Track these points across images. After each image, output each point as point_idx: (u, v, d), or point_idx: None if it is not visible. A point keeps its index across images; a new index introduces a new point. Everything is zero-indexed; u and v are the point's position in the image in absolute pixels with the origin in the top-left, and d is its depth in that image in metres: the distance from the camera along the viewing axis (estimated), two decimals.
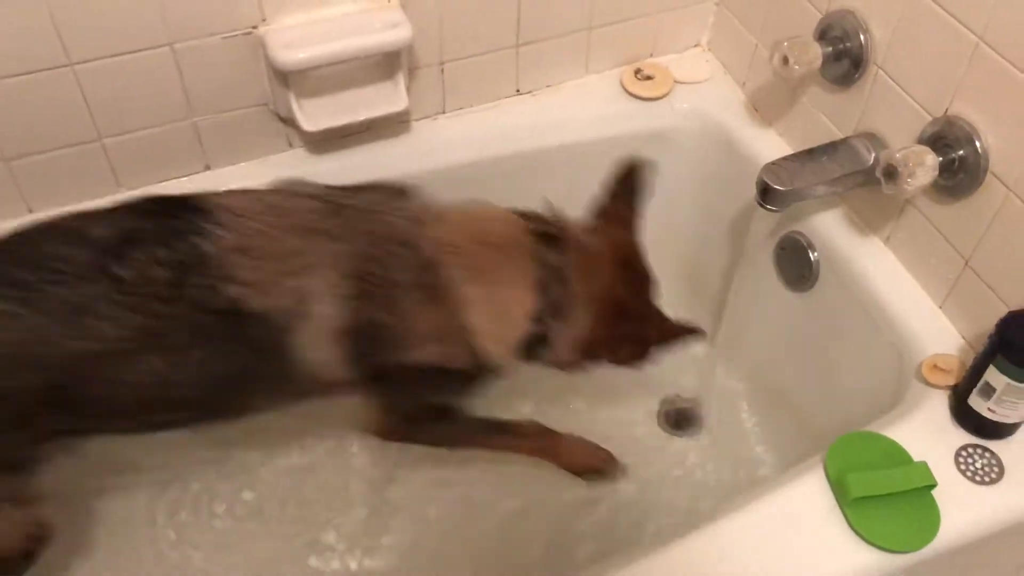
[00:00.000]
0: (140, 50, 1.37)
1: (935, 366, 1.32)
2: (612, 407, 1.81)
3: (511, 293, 1.25)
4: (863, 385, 1.49)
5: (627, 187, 1.37)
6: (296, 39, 1.41)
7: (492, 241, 1.26)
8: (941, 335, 1.38)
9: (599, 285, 1.28)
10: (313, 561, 1.61)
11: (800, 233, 1.59)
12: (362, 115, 1.52)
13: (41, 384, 1.10)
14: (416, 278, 1.20)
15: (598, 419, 1.78)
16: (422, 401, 1.36)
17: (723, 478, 1.74)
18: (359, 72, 1.51)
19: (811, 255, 1.57)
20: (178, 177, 1.56)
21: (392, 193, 1.30)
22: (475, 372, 1.28)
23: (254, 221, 1.16)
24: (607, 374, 1.38)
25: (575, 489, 1.63)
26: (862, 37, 1.40)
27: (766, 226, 1.58)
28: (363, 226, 1.20)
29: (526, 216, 1.30)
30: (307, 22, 1.44)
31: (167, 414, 1.22)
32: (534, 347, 1.28)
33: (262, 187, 1.26)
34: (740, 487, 1.70)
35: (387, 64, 1.52)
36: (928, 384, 1.32)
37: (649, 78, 1.74)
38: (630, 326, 1.30)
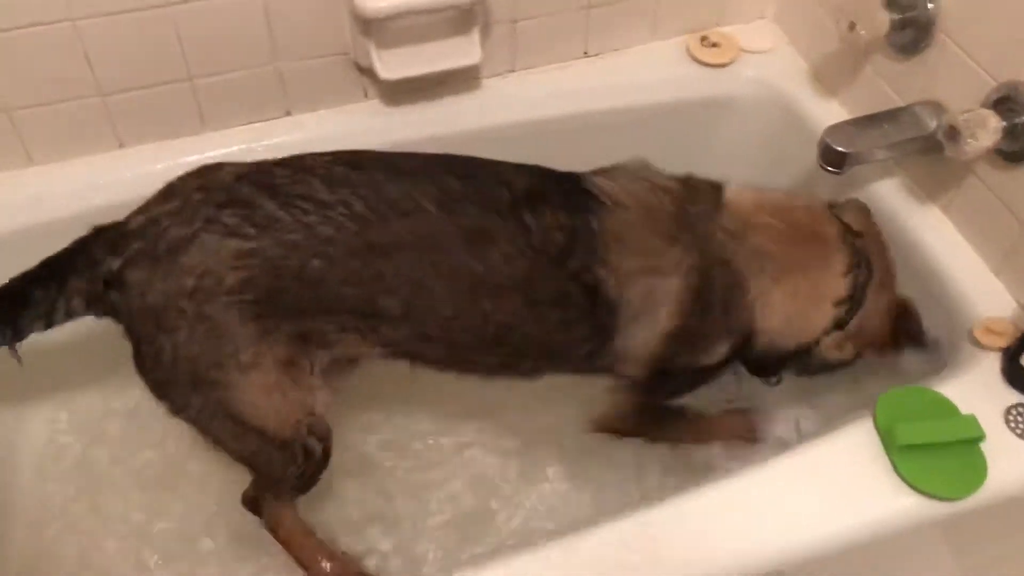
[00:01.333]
0: None
1: (988, 328, 1.35)
2: None
3: (821, 283, 1.35)
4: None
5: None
6: None
7: (801, 235, 1.35)
8: (995, 299, 1.40)
9: (887, 274, 1.41)
10: None
11: (859, 200, 1.61)
12: (437, 67, 1.58)
13: (391, 284, 1.19)
14: (727, 294, 1.31)
15: None
16: (673, 397, 1.47)
17: None
18: (436, 25, 1.56)
19: None
20: (260, 121, 1.63)
21: (710, 190, 1.37)
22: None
23: (629, 213, 1.28)
24: None
25: None
26: (930, 6, 1.43)
27: (825, 191, 1.61)
28: (699, 241, 1.30)
29: (829, 205, 1.41)
30: None
31: (484, 356, 1.31)
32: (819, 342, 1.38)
33: (621, 167, 1.36)
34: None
35: (463, 18, 1.57)
36: (980, 346, 1.34)
37: (715, 45, 1.78)
38: (906, 316, 1.41)
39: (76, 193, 1.53)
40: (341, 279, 1.18)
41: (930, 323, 1.45)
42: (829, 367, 1.46)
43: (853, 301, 1.36)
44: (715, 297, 1.30)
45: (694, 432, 1.58)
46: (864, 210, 1.46)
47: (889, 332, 1.41)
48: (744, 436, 1.57)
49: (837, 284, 1.35)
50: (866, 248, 1.38)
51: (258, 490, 1.43)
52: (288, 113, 1.65)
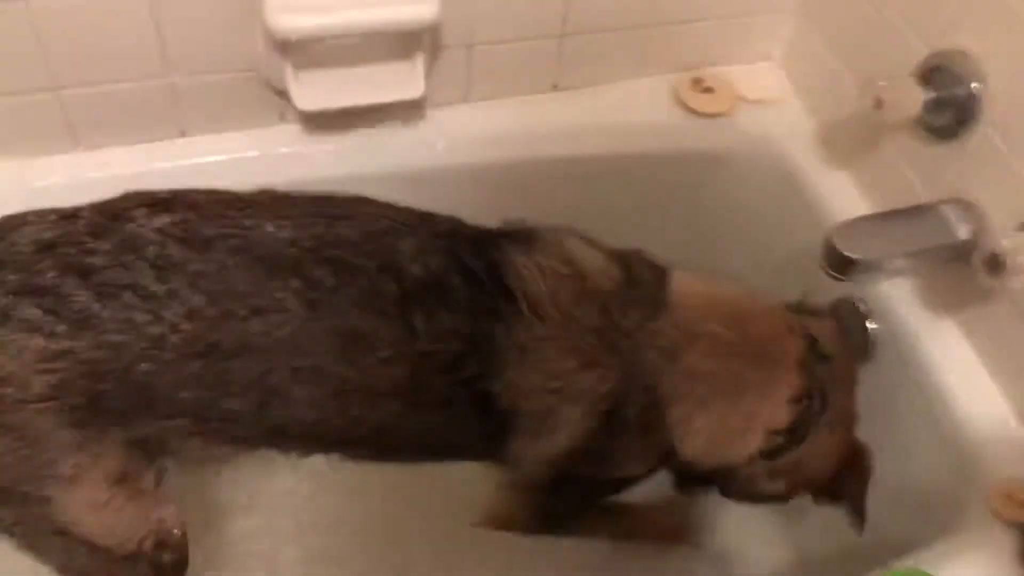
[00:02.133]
0: None
1: (1008, 495, 1.11)
2: None
3: (758, 408, 1.15)
4: (913, 491, 1.28)
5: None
6: (300, 2, 1.18)
7: (751, 350, 1.14)
8: (1020, 457, 1.15)
9: (846, 412, 1.21)
10: None
11: (860, 300, 1.36)
12: (368, 99, 1.31)
13: (239, 389, 1.00)
14: (643, 417, 1.12)
15: None
16: (580, 506, 1.30)
17: None
18: (371, 48, 1.28)
19: (869, 326, 1.35)
20: (149, 141, 1.35)
21: (654, 289, 1.16)
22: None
23: (544, 327, 1.08)
24: None
25: None
26: (974, 86, 1.16)
27: (824, 281, 1.35)
28: (623, 363, 1.10)
29: (794, 309, 1.21)
30: None
31: (357, 449, 1.15)
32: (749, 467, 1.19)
33: (555, 241, 1.14)
34: None
35: (405, 42, 1.29)
36: (996, 516, 1.10)
37: (709, 90, 1.51)
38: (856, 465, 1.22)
39: None
40: (175, 383, 0.98)
41: (934, 475, 1.21)
42: (757, 496, 1.26)
43: (793, 434, 1.16)
44: (629, 420, 1.12)
45: (614, 528, 1.38)
46: (838, 328, 1.25)
47: (830, 478, 1.22)
48: (677, 536, 1.45)
49: (778, 412, 1.15)
50: (827, 377, 1.16)
51: None
52: (183, 133, 1.36)
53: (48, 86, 1.24)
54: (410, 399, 1.06)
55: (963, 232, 1.18)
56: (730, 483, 1.24)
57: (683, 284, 1.15)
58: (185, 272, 0.96)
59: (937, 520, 1.16)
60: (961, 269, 1.18)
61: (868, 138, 1.38)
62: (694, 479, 1.26)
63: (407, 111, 1.41)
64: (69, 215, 0.99)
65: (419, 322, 1.03)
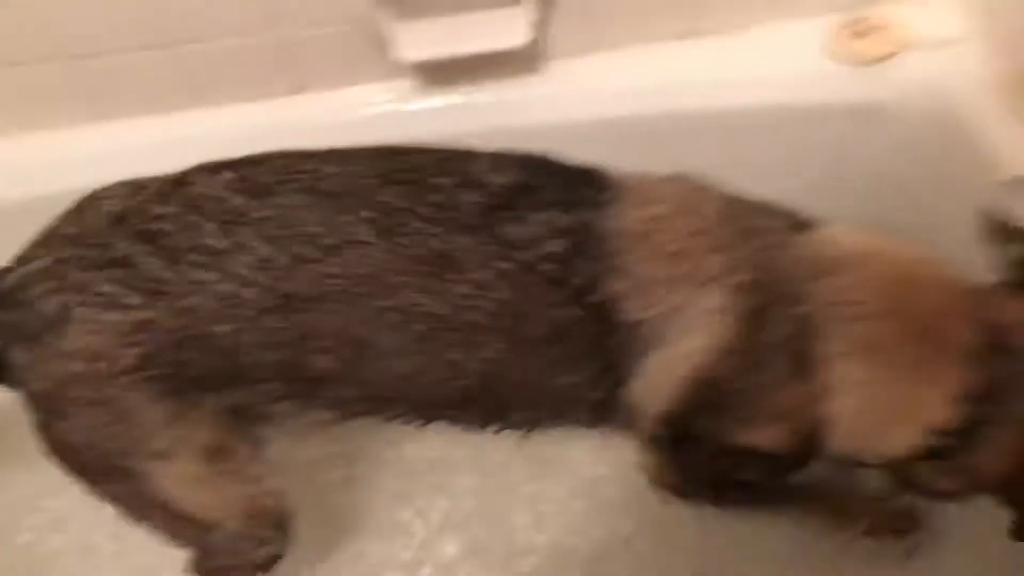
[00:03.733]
0: None
1: None
2: None
3: (915, 391, 0.98)
4: None
5: None
6: None
7: (913, 313, 0.98)
8: None
9: None
10: None
11: None
12: (469, 47, 1.25)
13: (324, 343, 0.97)
14: (790, 345, 0.98)
15: None
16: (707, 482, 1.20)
17: None
18: None
19: None
20: (263, 98, 1.36)
21: (794, 222, 1.05)
22: (802, 460, 1.08)
23: (657, 207, 0.99)
24: None
25: None
26: None
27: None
28: (759, 264, 0.98)
29: (977, 291, 1.01)
30: None
31: (461, 412, 1.08)
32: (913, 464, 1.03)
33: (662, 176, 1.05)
34: None
35: None
36: None
37: (866, 33, 1.32)
38: None
39: (40, 170, 1.35)
40: (258, 343, 0.96)
41: None
42: (934, 493, 1.10)
43: (962, 436, 0.97)
44: (775, 338, 0.96)
45: (803, 509, 1.27)
46: None
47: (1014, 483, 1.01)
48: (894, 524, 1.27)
49: (940, 408, 0.96)
50: (1009, 373, 0.96)
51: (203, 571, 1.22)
52: (299, 91, 1.36)
53: (161, 42, 1.27)
54: (515, 332, 0.97)
55: None
56: (894, 475, 1.09)
57: (835, 232, 1.01)
58: (249, 222, 0.95)
59: None
60: None
61: None
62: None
63: (523, 63, 1.34)
64: (140, 186, 1.00)
65: (511, 229, 0.94)
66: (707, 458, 1.10)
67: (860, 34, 1.32)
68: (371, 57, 1.32)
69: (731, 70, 1.37)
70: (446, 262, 0.94)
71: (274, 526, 1.10)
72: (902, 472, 1.06)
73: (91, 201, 1.00)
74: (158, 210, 0.96)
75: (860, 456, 1.04)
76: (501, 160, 0.99)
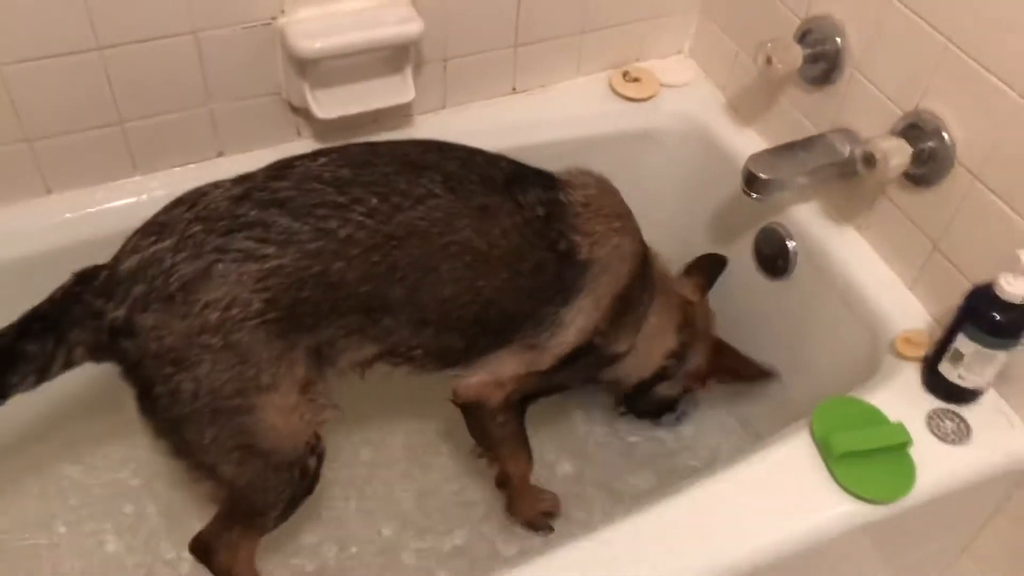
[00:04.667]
0: (166, 36, 1.44)
1: (907, 340, 1.43)
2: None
3: (662, 338, 1.60)
4: (839, 362, 1.60)
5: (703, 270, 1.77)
6: (314, 30, 1.49)
7: (673, 300, 1.62)
8: (911, 313, 1.49)
9: (706, 329, 1.69)
10: None
11: (779, 224, 1.70)
12: (372, 105, 1.60)
13: (404, 272, 1.23)
14: (649, 287, 1.52)
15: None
16: (561, 386, 1.58)
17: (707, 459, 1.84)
18: (370, 64, 1.59)
19: (789, 244, 1.69)
20: (193, 163, 1.62)
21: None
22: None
23: (589, 189, 1.42)
24: None
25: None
26: (839, 40, 1.53)
27: (747, 217, 1.70)
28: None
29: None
30: (323, 15, 1.52)
31: (459, 339, 1.35)
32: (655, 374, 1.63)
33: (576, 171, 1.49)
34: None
35: (396, 57, 1.60)
36: (901, 357, 1.43)
37: (636, 80, 1.85)
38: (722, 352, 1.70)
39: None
40: (359, 277, 1.20)
41: (853, 340, 1.54)
42: (663, 402, 1.74)
43: (679, 356, 1.64)
44: (645, 284, 1.50)
45: (511, 450, 1.58)
46: (701, 284, 1.73)
47: (709, 370, 1.69)
48: (541, 514, 1.71)
49: (670, 339, 1.62)
50: (694, 320, 1.65)
51: (226, 525, 1.37)
52: (221, 154, 1.64)
53: (115, 121, 1.51)
54: (514, 267, 1.31)
55: (846, 151, 1.53)
56: (642, 395, 1.66)
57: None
58: (360, 183, 1.21)
59: (859, 373, 1.48)
60: (850, 185, 1.54)
61: (764, 98, 1.73)
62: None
63: (399, 119, 1.72)
64: (244, 176, 1.21)
65: (520, 196, 1.32)
66: (574, 369, 1.45)
67: (632, 80, 1.86)
68: (282, 121, 1.64)
69: (546, 113, 1.82)
70: (488, 211, 1.28)
71: (318, 456, 1.31)
72: (646, 390, 1.65)
73: (198, 196, 1.18)
74: (276, 185, 1.18)
75: (627, 380, 1.61)
76: (495, 156, 1.37)
